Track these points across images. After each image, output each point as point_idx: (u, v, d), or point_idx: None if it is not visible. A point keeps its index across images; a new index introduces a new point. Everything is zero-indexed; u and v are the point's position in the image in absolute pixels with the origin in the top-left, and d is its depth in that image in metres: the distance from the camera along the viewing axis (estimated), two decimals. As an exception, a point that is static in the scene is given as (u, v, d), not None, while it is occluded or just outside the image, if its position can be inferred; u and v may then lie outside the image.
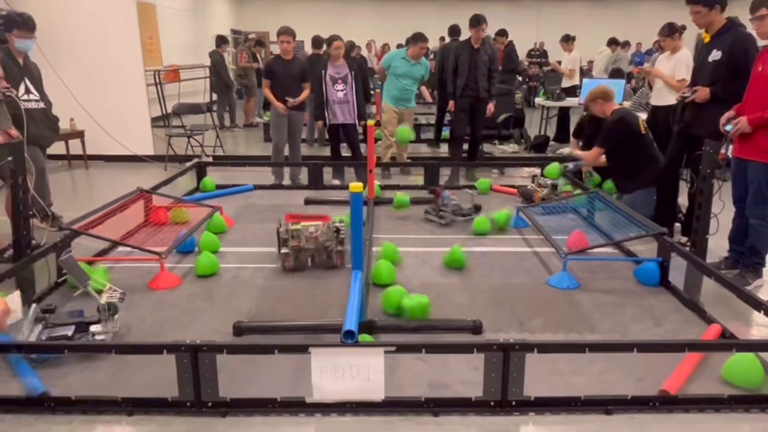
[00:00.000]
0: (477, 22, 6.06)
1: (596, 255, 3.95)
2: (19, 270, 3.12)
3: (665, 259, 3.58)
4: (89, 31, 6.91)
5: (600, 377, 2.56)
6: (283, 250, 3.75)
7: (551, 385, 2.48)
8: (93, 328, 2.75)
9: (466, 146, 6.68)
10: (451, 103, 6.39)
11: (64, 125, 6.81)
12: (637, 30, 15.72)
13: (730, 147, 3.65)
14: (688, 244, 3.83)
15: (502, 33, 9.57)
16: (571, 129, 8.07)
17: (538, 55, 15.53)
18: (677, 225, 4.60)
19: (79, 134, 6.99)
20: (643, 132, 4.65)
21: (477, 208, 4.92)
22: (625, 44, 10.63)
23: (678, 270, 3.49)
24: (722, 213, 3.54)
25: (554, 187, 5.21)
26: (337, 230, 3.79)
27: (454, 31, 7.65)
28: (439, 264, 3.90)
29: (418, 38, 6.31)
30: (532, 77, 13.99)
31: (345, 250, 3.78)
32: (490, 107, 6.36)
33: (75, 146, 7.07)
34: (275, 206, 5.17)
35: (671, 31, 5.39)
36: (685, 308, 3.26)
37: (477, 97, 6.22)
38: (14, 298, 1.40)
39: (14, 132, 3.98)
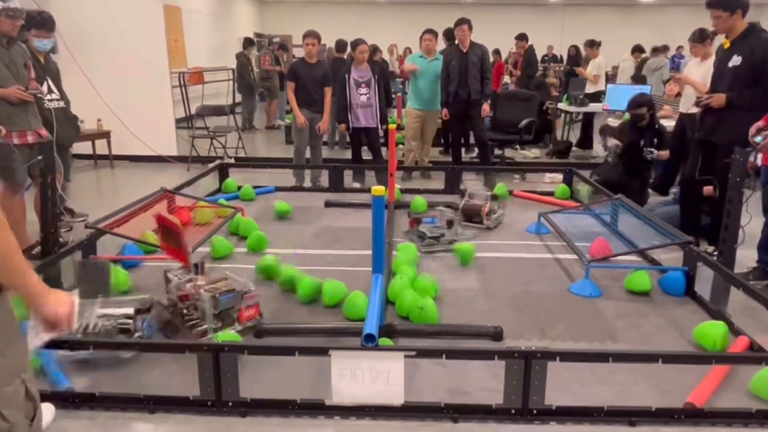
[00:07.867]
0: (457, 23, 6.11)
1: (619, 263, 3.90)
2: (46, 267, 3.18)
3: (691, 269, 3.51)
4: (117, 34, 7.03)
5: (624, 388, 2.51)
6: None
7: (573, 394, 2.45)
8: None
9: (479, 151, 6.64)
10: (444, 110, 6.36)
11: (91, 126, 6.98)
12: (664, 36, 15.48)
13: (759, 155, 3.57)
14: (715, 253, 3.75)
15: (522, 37, 9.50)
16: (594, 135, 8.02)
17: (548, 60, 14.03)
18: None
19: (106, 134, 7.11)
20: None
21: (450, 224, 4.40)
22: (665, 49, 10.25)
23: (704, 280, 3.42)
24: (749, 222, 3.46)
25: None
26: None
27: (447, 34, 7.60)
28: (459, 269, 3.88)
29: (423, 32, 6.35)
30: (551, 86, 13.53)
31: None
32: (485, 108, 6.28)
33: (101, 146, 7.20)
34: (296, 208, 5.19)
35: (702, 36, 5.28)
36: (711, 319, 3.19)
37: (468, 100, 6.17)
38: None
39: (44, 132, 4.07)
